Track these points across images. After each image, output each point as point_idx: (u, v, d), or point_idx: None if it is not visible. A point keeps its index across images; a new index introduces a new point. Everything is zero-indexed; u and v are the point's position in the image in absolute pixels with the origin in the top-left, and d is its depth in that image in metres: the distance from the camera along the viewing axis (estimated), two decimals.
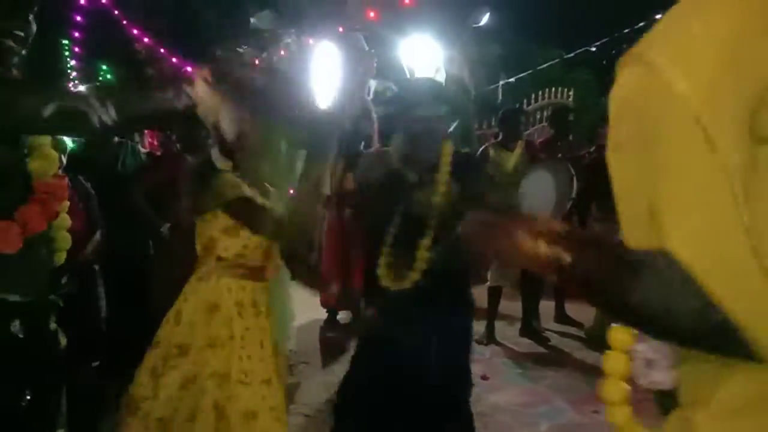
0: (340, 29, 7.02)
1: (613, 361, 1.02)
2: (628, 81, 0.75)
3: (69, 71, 11.20)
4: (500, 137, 4.93)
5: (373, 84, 7.75)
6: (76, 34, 10.13)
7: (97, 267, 2.81)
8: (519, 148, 4.69)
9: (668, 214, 0.69)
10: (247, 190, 1.87)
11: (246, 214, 1.88)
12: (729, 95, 0.66)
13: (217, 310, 1.90)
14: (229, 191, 1.87)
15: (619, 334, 1.04)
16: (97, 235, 2.70)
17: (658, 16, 0.76)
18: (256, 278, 2.00)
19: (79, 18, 9.63)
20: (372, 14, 7.41)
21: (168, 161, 3.33)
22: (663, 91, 0.68)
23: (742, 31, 0.67)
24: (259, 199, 1.89)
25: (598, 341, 4.52)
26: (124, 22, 9.94)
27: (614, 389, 1.01)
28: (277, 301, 3.58)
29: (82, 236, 2.56)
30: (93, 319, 2.78)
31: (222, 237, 1.92)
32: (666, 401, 0.85)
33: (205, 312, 1.90)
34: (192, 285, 1.96)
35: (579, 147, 5.41)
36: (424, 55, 8.26)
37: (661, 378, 0.89)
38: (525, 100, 9.70)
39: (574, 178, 4.24)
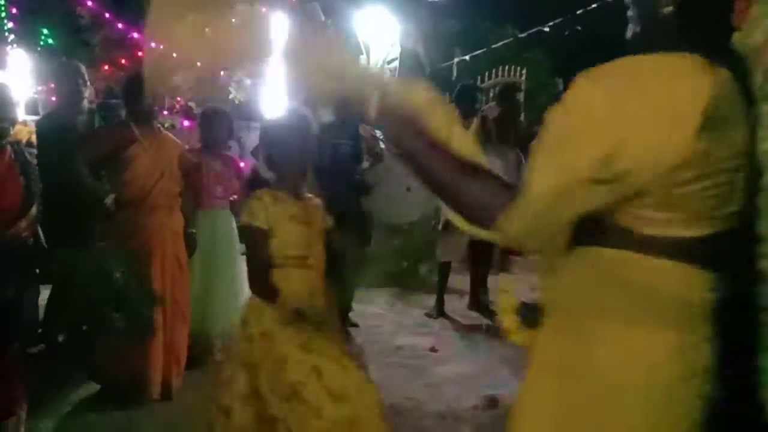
0: None
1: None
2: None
3: (5, 34, 10.58)
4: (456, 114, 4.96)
5: None
6: None
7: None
8: (474, 125, 4.73)
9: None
10: (257, 220, 2.02)
11: (246, 240, 2.11)
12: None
13: None
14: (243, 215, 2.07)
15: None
16: (33, 210, 2.55)
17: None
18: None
19: None
20: None
21: (114, 131, 3.20)
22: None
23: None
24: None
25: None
26: None
27: (506, 301, 1.32)
28: (228, 278, 3.57)
29: (18, 209, 2.46)
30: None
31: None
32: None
33: None
34: None
35: (530, 127, 5.49)
36: (380, 29, 8.20)
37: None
38: (479, 78, 9.74)
39: (523, 162, 4.34)
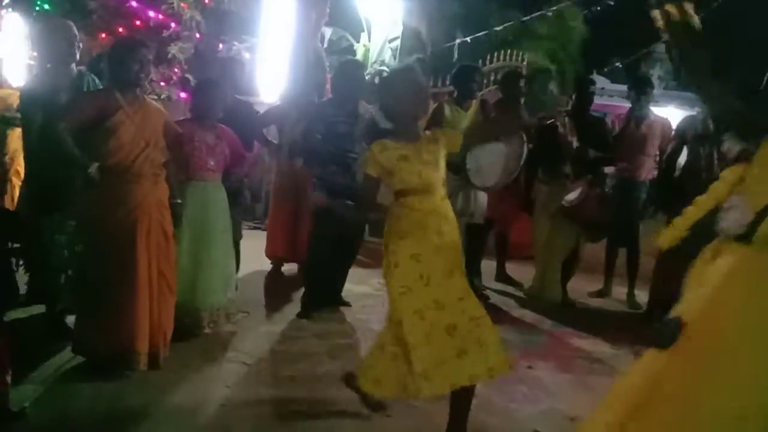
0: None
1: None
2: None
3: None
4: (455, 95, 4.90)
5: (327, 32, 7.56)
6: None
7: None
8: (473, 107, 4.68)
9: None
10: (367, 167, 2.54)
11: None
12: None
13: None
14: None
15: None
16: None
17: None
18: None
19: None
20: None
21: (96, 97, 3.12)
22: None
23: None
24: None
25: (536, 301, 4.68)
26: None
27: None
28: (219, 252, 3.54)
29: None
30: None
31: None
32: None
33: None
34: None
35: (531, 111, 5.45)
36: (383, 6, 8.07)
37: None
38: (480, 61, 9.64)
39: (525, 145, 4.30)
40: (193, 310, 3.42)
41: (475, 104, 4.71)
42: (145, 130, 3.01)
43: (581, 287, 5.02)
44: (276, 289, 4.56)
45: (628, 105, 5.10)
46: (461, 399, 2.51)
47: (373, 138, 2.73)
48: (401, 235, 2.48)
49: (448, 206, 2.57)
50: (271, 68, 7.22)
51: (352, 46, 7.59)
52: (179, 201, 3.31)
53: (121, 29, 8.41)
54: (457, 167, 4.47)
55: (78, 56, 3.51)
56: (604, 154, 4.70)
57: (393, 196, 2.55)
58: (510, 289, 5.15)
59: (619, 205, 4.63)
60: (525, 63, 10.57)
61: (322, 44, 6.68)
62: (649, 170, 4.89)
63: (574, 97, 4.82)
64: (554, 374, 3.48)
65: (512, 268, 5.33)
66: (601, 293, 5.08)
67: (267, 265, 4.87)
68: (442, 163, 2.56)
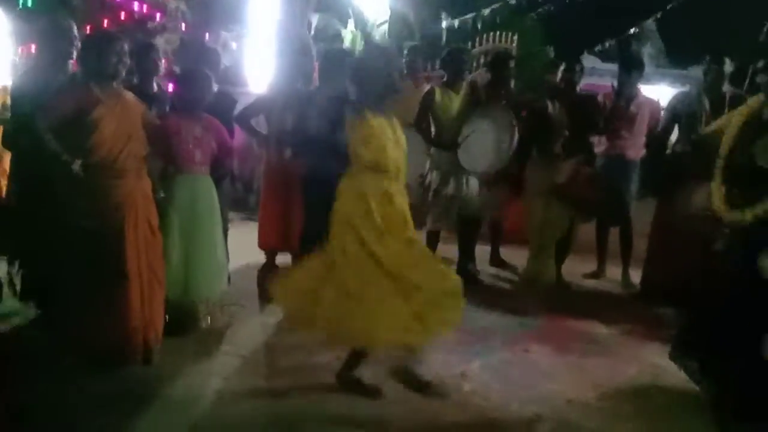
0: None
1: None
2: None
3: None
4: (445, 79, 4.86)
5: (314, 19, 7.47)
6: None
7: None
8: (463, 90, 4.65)
9: None
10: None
11: None
12: None
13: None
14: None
15: None
16: None
17: None
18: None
19: None
20: None
21: (73, 94, 3.06)
22: None
23: None
24: None
25: (531, 284, 4.67)
26: None
27: None
28: (210, 245, 3.51)
29: None
30: None
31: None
32: None
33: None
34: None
35: (521, 94, 5.40)
36: None
37: None
38: (470, 44, 9.57)
39: (516, 128, 4.28)
40: (189, 304, 3.40)
41: (465, 87, 4.68)
42: (126, 124, 2.97)
43: (576, 269, 5.02)
44: (270, 280, 4.52)
45: None
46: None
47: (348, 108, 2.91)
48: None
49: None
50: (258, 57, 7.14)
51: (339, 32, 7.51)
52: (163, 194, 3.28)
53: (106, 22, 8.32)
54: (448, 145, 4.46)
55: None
56: (595, 134, 4.69)
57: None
58: (505, 273, 5.15)
59: (609, 184, 4.62)
60: (515, 45, 10.49)
61: (309, 31, 6.61)
62: (638, 150, 4.88)
63: (561, 77, 4.79)
64: (551, 357, 3.49)
65: (506, 252, 5.32)
66: (595, 274, 5.08)
67: (260, 256, 4.84)
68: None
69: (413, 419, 2.74)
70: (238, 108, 4.69)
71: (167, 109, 3.65)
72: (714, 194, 2.72)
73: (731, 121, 2.93)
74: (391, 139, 2.84)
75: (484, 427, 2.75)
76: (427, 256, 2.97)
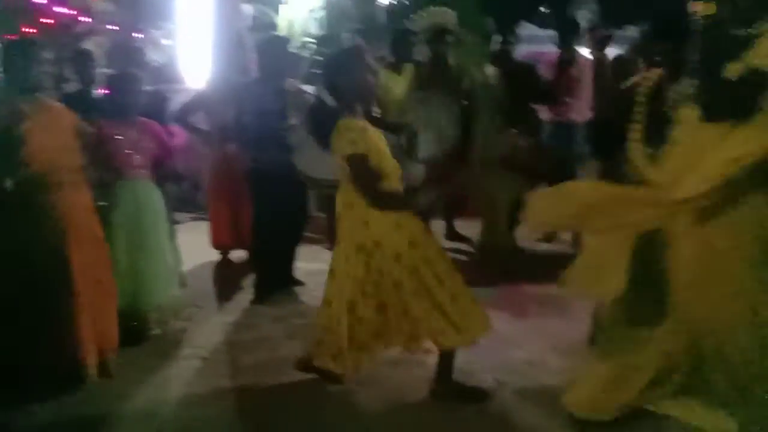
0: None
1: None
2: None
3: None
4: (389, 60, 4.82)
5: (247, 9, 7.31)
6: None
7: None
8: (409, 72, 4.62)
9: None
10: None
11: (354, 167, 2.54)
12: None
13: None
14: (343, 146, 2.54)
15: None
16: None
17: None
18: None
19: None
20: None
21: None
22: None
23: None
24: None
25: (487, 253, 4.73)
26: None
27: None
28: (158, 250, 3.44)
29: None
30: None
31: None
32: None
33: None
34: None
35: (460, 70, 5.40)
36: None
37: None
38: (408, 22, 9.54)
39: (459, 107, 4.29)
40: (140, 312, 3.32)
41: (409, 68, 4.64)
42: (57, 136, 2.86)
43: (529, 234, 5.09)
44: (226, 278, 4.47)
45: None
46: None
47: (324, 119, 2.65)
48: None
49: None
50: (193, 53, 6.98)
51: (273, 21, 7.36)
52: (105, 204, 3.18)
53: (28, 29, 7.97)
54: (393, 128, 4.45)
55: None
56: (538, 102, 4.74)
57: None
58: (461, 245, 5.20)
59: (553, 151, 4.69)
60: (455, 19, 10.49)
61: (242, 22, 6.49)
62: (583, 113, 4.96)
63: (498, 47, 4.82)
64: (510, 322, 3.55)
65: (462, 226, 5.37)
66: (548, 237, 5.18)
67: (214, 255, 4.77)
68: None
69: (382, 398, 2.77)
70: (175, 106, 4.60)
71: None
72: (633, 151, 2.70)
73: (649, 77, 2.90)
74: (382, 140, 2.67)
75: None
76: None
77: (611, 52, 5.30)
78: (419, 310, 2.55)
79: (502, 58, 4.78)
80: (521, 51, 5.33)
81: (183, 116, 4.47)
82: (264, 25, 7.31)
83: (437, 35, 4.89)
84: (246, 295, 4.08)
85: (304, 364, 2.87)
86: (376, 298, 2.60)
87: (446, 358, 2.73)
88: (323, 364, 2.68)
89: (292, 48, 5.94)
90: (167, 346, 3.33)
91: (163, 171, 3.63)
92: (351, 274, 2.61)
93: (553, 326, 3.51)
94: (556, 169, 4.65)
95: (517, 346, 3.25)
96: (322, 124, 2.67)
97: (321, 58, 5.52)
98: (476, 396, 2.77)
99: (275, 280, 4.07)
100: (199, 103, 4.62)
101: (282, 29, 7.81)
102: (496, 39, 5.03)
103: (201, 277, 4.41)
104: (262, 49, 4.10)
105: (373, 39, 8.36)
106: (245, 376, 3.03)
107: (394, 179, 2.61)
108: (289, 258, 4.14)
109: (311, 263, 4.46)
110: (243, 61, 4.67)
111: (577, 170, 4.93)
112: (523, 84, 4.62)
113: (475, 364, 3.00)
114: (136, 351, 3.20)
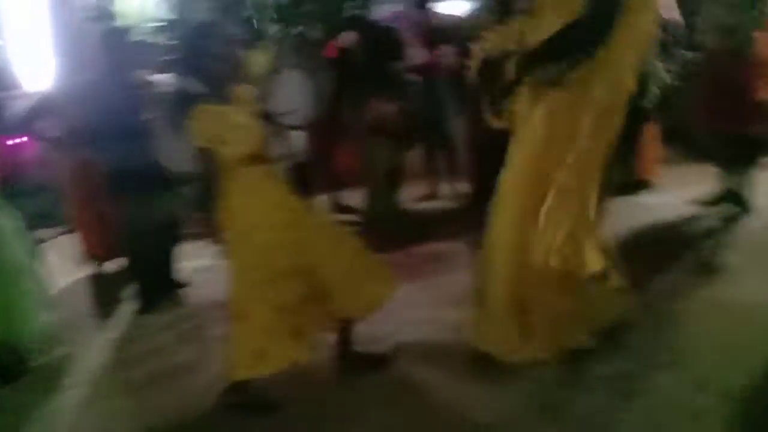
0: None
1: None
2: None
3: None
4: (246, 38, 4.64)
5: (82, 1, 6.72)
6: None
7: None
8: (266, 48, 4.47)
9: None
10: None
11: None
12: None
13: None
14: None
15: None
16: None
17: None
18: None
19: None
20: None
21: None
22: None
23: None
24: None
25: (372, 220, 4.75)
26: None
27: None
28: (17, 277, 3.14)
29: None
30: None
31: None
32: None
33: None
34: None
35: (325, 37, 5.29)
36: None
37: None
38: None
39: (319, 76, 4.22)
40: (10, 346, 3.04)
41: (264, 44, 4.51)
42: None
43: (411, 195, 5.19)
44: (104, 292, 4.18)
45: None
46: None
47: (188, 107, 2.47)
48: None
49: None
50: (27, 52, 6.36)
51: (110, 11, 6.79)
52: None
53: None
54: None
55: None
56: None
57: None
58: (348, 217, 5.19)
59: (424, 108, 4.76)
60: None
61: (82, 14, 6.00)
62: (446, 66, 5.00)
63: (349, 13, 4.76)
64: (405, 285, 3.60)
65: (350, 196, 5.34)
66: (429, 196, 5.30)
67: (87, 270, 4.44)
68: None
69: (288, 372, 2.70)
70: (14, 114, 4.20)
71: None
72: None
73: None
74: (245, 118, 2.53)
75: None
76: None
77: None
78: (312, 288, 2.52)
79: (358, 23, 4.73)
80: (381, 12, 5.27)
81: (27, 124, 4.08)
82: (101, 17, 6.75)
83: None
84: (129, 307, 3.85)
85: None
86: (276, 285, 2.49)
87: (345, 329, 2.73)
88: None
89: (141, 36, 5.57)
90: (50, 376, 3.08)
91: (11, 187, 3.31)
92: (239, 265, 2.53)
93: (445, 281, 3.61)
94: (425, 129, 4.74)
95: (414, 306, 3.32)
96: (183, 113, 2.49)
97: (175, 43, 5.20)
98: (377, 362, 2.80)
99: (157, 285, 3.86)
100: (43, 107, 4.22)
101: (131, 17, 7.26)
102: (351, 3, 4.97)
103: (76, 294, 4.10)
104: (103, 42, 3.81)
105: (228, 18, 8.04)
106: (139, 392, 2.88)
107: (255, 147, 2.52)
108: (167, 260, 3.94)
109: (194, 261, 4.29)
110: (86, 57, 4.32)
111: (449, 127, 5.03)
112: (382, 47, 4.61)
113: (374, 329, 3.02)
114: (15, 387, 2.97)
